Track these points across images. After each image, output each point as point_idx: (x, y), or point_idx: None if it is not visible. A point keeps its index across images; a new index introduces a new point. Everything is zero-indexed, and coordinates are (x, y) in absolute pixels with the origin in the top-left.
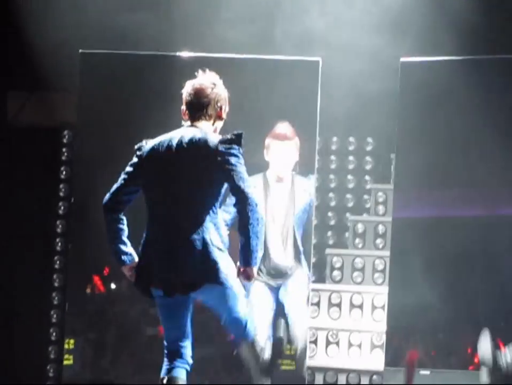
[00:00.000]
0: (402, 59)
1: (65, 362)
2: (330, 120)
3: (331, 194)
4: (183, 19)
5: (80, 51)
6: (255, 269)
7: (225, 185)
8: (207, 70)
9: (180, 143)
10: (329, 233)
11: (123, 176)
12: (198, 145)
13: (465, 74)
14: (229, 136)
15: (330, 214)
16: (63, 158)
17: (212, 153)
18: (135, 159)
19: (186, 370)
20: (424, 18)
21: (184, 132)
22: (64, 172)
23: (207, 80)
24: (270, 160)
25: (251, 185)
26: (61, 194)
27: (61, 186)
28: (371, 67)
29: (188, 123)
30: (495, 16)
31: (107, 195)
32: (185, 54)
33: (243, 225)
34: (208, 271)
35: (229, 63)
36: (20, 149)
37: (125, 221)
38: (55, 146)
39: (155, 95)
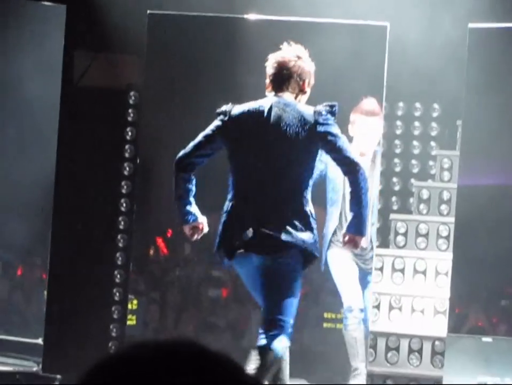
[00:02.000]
0: (470, 25)
1: (128, 322)
2: (396, 85)
3: (396, 160)
4: None
5: (148, 12)
6: (364, 239)
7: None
8: (292, 43)
9: (272, 112)
10: (393, 198)
11: (201, 138)
12: (292, 115)
13: None
14: (326, 107)
15: (394, 179)
16: (129, 119)
17: (310, 124)
18: (218, 123)
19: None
20: None
21: (273, 101)
22: (130, 134)
23: (290, 52)
24: (355, 136)
25: (356, 154)
26: (127, 155)
27: (126, 147)
28: (439, 32)
29: (273, 93)
30: None
31: (181, 154)
32: (252, 16)
33: (356, 194)
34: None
35: (295, 27)
36: (86, 110)
37: (194, 181)
38: (121, 107)
39: (222, 58)
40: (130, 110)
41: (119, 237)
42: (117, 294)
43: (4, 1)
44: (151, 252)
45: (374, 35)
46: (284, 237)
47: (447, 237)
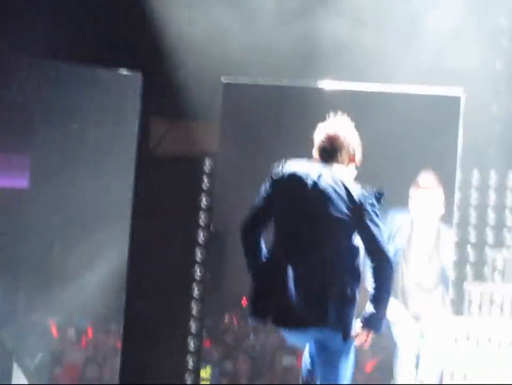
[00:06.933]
0: None
1: None
2: (470, 153)
3: (469, 229)
4: (324, 48)
5: (222, 80)
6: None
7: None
8: (339, 112)
9: (319, 183)
10: (468, 267)
11: (257, 202)
12: (337, 192)
13: None
14: (375, 194)
15: (469, 248)
16: (204, 186)
17: (354, 204)
18: (269, 185)
19: None
20: None
21: (322, 172)
22: (204, 201)
23: (340, 126)
24: (415, 210)
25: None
26: (201, 222)
27: (201, 214)
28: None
29: (322, 164)
30: None
31: (245, 222)
32: (326, 84)
33: (380, 285)
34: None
35: (365, 97)
36: (162, 177)
37: (262, 243)
38: (196, 175)
39: (296, 126)
40: (204, 178)
41: (192, 304)
42: (191, 361)
43: (80, 72)
44: (224, 320)
45: (447, 105)
46: None
47: None
